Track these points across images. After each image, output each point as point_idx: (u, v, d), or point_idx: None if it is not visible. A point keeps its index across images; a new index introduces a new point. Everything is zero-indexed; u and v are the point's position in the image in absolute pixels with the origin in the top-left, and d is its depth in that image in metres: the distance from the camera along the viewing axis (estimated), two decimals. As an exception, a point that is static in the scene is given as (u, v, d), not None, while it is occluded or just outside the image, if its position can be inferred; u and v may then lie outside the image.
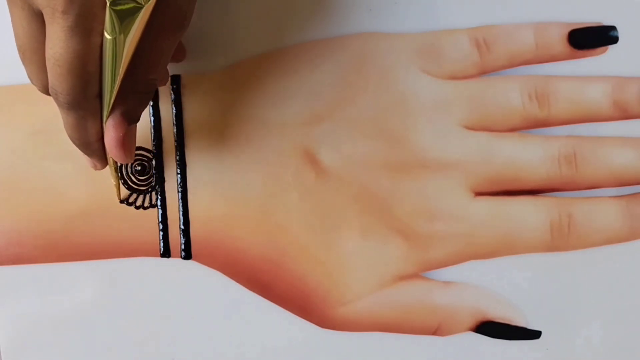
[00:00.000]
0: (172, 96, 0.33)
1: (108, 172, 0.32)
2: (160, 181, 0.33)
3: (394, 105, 0.32)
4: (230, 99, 0.33)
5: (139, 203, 0.33)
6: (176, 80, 0.33)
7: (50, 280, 0.33)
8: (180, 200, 0.33)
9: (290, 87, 0.32)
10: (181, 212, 0.33)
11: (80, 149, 0.28)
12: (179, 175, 0.33)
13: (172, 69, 0.32)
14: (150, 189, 0.33)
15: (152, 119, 0.33)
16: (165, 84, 0.31)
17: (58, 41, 0.23)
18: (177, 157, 0.33)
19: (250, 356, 0.34)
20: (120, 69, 0.24)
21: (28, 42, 0.25)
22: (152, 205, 0.33)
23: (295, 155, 0.33)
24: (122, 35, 0.23)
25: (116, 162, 0.30)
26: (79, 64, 0.23)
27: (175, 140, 0.33)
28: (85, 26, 0.23)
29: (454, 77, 0.32)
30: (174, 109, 0.33)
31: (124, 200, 0.33)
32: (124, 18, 0.23)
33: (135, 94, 0.26)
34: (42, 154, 0.33)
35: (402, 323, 0.33)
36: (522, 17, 0.32)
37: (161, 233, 0.33)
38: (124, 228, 0.33)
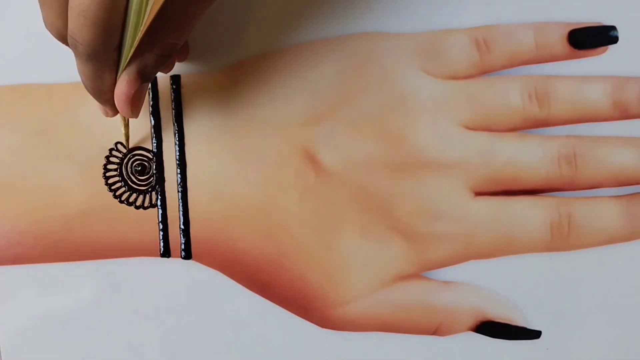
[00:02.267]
0: (172, 96, 0.33)
1: (107, 172, 0.32)
2: (160, 181, 0.33)
3: (394, 105, 0.32)
4: (230, 99, 0.33)
5: (139, 203, 0.33)
6: (176, 80, 0.33)
7: (50, 280, 0.33)
8: (180, 200, 0.33)
9: (290, 87, 0.32)
10: (181, 212, 0.33)
11: (93, 96, 0.27)
12: (179, 175, 0.33)
13: (172, 69, 0.32)
14: (150, 189, 0.33)
15: (152, 119, 0.33)
16: (183, 60, 0.31)
17: None
18: (177, 157, 0.33)
19: (250, 356, 0.34)
20: (142, 26, 0.24)
21: None
22: (152, 205, 0.33)
23: (295, 155, 0.33)
24: None
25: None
26: (105, 16, 0.23)
27: (175, 140, 0.33)
28: None
29: (454, 77, 0.32)
30: (174, 109, 0.33)
31: (131, 151, 0.32)
32: None
33: (154, 54, 0.26)
34: (42, 154, 0.33)
35: (402, 323, 0.33)
36: (522, 17, 0.32)
37: (161, 233, 0.33)
38: (124, 228, 0.33)
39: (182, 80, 0.33)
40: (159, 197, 0.33)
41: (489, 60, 0.32)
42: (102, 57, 0.25)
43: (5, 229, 0.33)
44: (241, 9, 0.32)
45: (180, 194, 0.33)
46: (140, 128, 0.33)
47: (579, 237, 0.33)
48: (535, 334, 0.33)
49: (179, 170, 0.33)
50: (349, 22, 0.32)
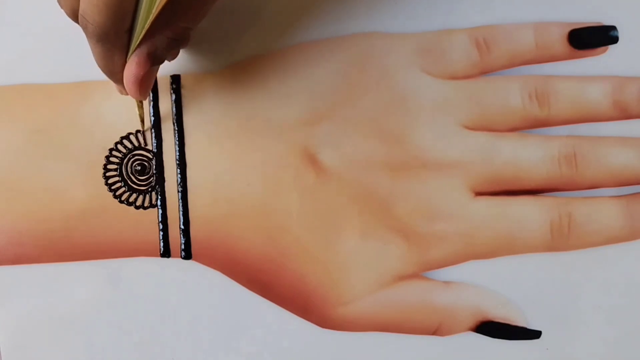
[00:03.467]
0: (172, 96, 0.33)
1: (107, 172, 0.32)
2: (160, 181, 0.33)
3: (394, 105, 0.32)
4: (230, 99, 0.33)
5: (139, 203, 0.33)
6: (176, 80, 0.33)
7: (50, 280, 0.33)
8: (180, 200, 0.33)
9: (290, 87, 0.32)
10: (181, 212, 0.33)
11: (106, 75, 0.27)
12: (179, 175, 0.33)
13: (172, 69, 0.32)
14: (150, 189, 0.33)
15: (152, 119, 0.33)
16: (184, 46, 0.31)
17: None
18: (177, 157, 0.33)
19: (250, 356, 0.34)
20: (155, 9, 0.24)
21: None
22: (152, 205, 0.33)
23: (295, 155, 0.33)
24: None
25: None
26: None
27: (175, 140, 0.33)
28: None
29: (454, 77, 0.32)
30: (174, 109, 0.33)
31: (131, 151, 0.32)
32: None
33: (166, 38, 0.26)
34: (42, 154, 0.33)
35: (402, 323, 0.33)
36: (522, 17, 0.32)
37: (161, 233, 0.33)
38: (124, 228, 0.33)
39: (182, 80, 0.33)
40: (159, 197, 0.33)
41: (489, 60, 0.32)
42: (112, 39, 0.25)
43: (6, 228, 0.33)
44: (241, 9, 0.32)
45: (180, 194, 0.33)
46: (140, 128, 0.33)
47: (579, 237, 0.33)
48: (535, 334, 0.33)
49: (179, 170, 0.33)
50: (349, 22, 0.32)
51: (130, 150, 0.33)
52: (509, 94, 0.32)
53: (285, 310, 0.33)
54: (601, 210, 0.32)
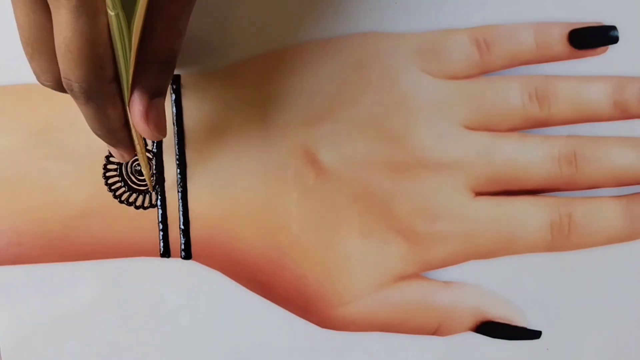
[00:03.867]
0: (172, 96, 0.33)
1: (107, 172, 0.32)
2: (160, 181, 0.33)
3: (394, 105, 0.32)
4: (230, 99, 0.33)
5: (139, 203, 0.33)
6: (176, 80, 0.33)
7: (50, 280, 0.33)
8: (180, 200, 0.33)
9: (290, 87, 0.32)
10: (181, 212, 0.33)
11: (104, 140, 0.27)
12: (179, 175, 0.33)
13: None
14: (150, 189, 0.33)
15: (152, 119, 0.33)
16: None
17: (65, 25, 0.23)
18: (177, 157, 0.33)
19: (250, 356, 0.34)
20: (133, 45, 0.24)
21: (35, 32, 0.24)
22: (152, 205, 0.33)
23: (295, 155, 0.33)
24: (123, 10, 0.23)
25: (144, 151, 0.30)
26: (89, 47, 0.23)
27: (175, 140, 0.33)
28: (90, 5, 0.22)
29: (454, 77, 0.32)
30: (174, 109, 0.33)
31: (155, 187, 0.32)
32: None
33: (153, 65, 0.26)
34: (42, 154, 0.33)
35: (402, 323, 0.33)
36: (522, 17, 0.32)
37: (161, 233, 0.33)
38: (124, 228, 0.33)
39: (182, 80, 0.33)
40: (159, 197, 0.33)
41: (489, 60, 0.32)
42: (99, 93, 0.25)
43: (5, 228, 0.33)
44: (241, 9, 0.32)
45: (180, 194, 0.33)
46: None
47: (579, 237, 0.33)
48: (535, 334, 0.33)
49: (179, 170, 0.33)
50: (349, 22, 0.32)
51: (130, 150, 0.33)
52: (509, 94, 0.32)
53: (285, 310, 0.33)
54: (601, 210, 0.32)
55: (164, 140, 0.33)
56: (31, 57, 0.25)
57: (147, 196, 0.33)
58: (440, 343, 0.33)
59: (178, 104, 0.33)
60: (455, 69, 0.32)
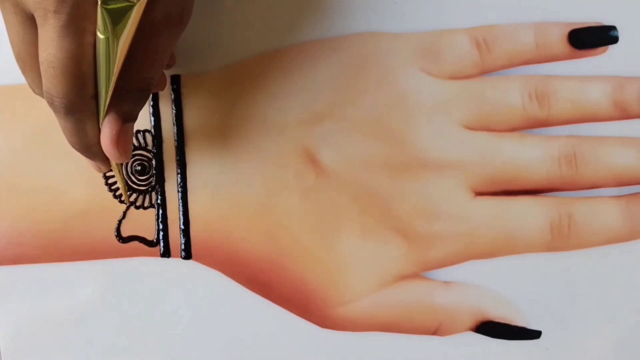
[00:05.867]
0: (172, 96, 0.33)
1: (107, 172, 0.32)
2: (160, 181, 0.33)
3: (394, 105, 0.32)
4: (230, 99, 0.33)
5: (139, 203, 0.33)
6: (176, 80, 0.33)
7: (50, 280, 0.33)
8: (181, 200, 0.33)
9: (290, 87, 0.32)
10: (181, 212, 0.33)
11: (81, 153, 0.27)
12: (179, 175, 0.33)
13: (172, 69, 0.32)
14: (150, 189, 0.33)
15: (152, 119, 0.33)
16: (163, 89, 0.31)
17: (51, 42, 0.23)
18: (177, 157, 0.33)
19: (250, 356, 0.34)
20: (115, 69, 0.24)
21: (25, 48, 0.25)
22: (152, 205, 0.33)
23: (295, 155, 0.33)
24: (114, 35, 0.23)
25: (120, 165, 0.30)
26: (72, 64, 0.23)
27: (175, 140, 0.33)
28: (77, 25, 0.23)
29: (454, 77, 0.32)
30: (174, 109, 0.33)
31: (132, 203, 0.32)
32: (116, 17, 0.23)
33: (131, 92, 0.26)
34: (42, 154, 0.33)
35: (402, 323, 0.33)
36: (522, 17, 0.32)
37: (161, 233, 0.33)
38: (124, 228, 0.33)
39: (182, 80, 0.33)
40: (159, 197, 0.33)
41: (489, 60, 0.32)
42: (79, 108, 0.25)
43: (6, 228, 0.33)
44: (241, 9, 0.32)
45: (180, 194, 0.33)
46: (141, 128, 0.33)
47: (579, 237, 0.33)
48: (535, 334, 0.33)
49: (179, 170, 0.33)
50: (349, 22, 0.32)
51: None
52: (509, 94, 0.32)
53: (285, 310, 0.33)
54: (601, 210, 0.32)
55: (164, 140, 0.33)
56: (22, 71, 0.26)
57: (147, 196, 0.33)
58: (440, 343, 0.33)
59: (178, 104, 0.33)
60: (455, 69, 0.32)
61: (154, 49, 0.25)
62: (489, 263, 0.33)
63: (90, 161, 0.28)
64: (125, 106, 0.26)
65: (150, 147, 0.33)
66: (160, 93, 0.33)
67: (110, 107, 0.25)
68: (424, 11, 0.32)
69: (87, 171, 0.32)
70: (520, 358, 0.33)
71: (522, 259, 0.33)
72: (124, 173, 0.33)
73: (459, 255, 0.33)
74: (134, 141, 0.33)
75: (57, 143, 0.33)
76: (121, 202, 0.33)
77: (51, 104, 0.25)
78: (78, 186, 0.33)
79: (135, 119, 0.27)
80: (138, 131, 0.33)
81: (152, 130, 0.33)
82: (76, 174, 0.33)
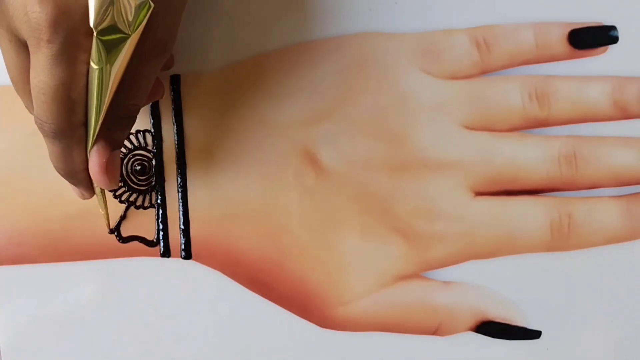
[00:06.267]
0: (172, 96, 0.33)
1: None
2: (160, 181, 0.33)
3: (394, 105, 0.32)
4: (230, 99, 0.33)
5: (139, 203, 0.33)
6: (176, 80, 0.33)
7: (50, 280, 0.33)
8: (181, 200, 0.33)
9: (290, 87, 0.32)
10: (181, 212, 0.33)
11: (66, 179, 0.28)
12: (179, 175, 0.33)
13: (172, 69, 0.32)
14: (150, 189, 0.33)
15: (152, 119, 0.33)
16: (161, 97, 0.31)
17: (42, 69, 0.23)
18: (177, 157, 0.33)
19: (250, 356, 0.34)
20: (107, 98, 0.24)
21: (18, 74, 0.25)
22: (152, 205, 0.33)
23: (295, 155, 0.33)
24: (108, 65, 0.23)
25: (103, 192, 0.31)
26: (63, 92, 0.24)
27: (175, 140, 0.33)
28: (70, 54, 0.23)
29: (454, 77, 0.32)
30: (174, 109, 0.33)
31: (114, 231, 0.33)
32: (111, 48, 0.23)
33: (118, 119, 0.26)
34: (42, 154, 0.32)
35: (402, 323, 0.33)
36: (522, 17, 0.32)
37: (161, 233, 0.33)
38: (124, 228, 0.33)
39: (182, 80, 0.33)
40: (159, 197, 0.33)
41: (489, 60, 0.32)
42: (68, 134, 0.25)
43: (5, 228, 0.33)
44: (241, 9, 0.32)
45: (180, 194, 0.33)
46: (141, 128, 0.33)
47: (579, 237, 0.33)
48: (535, 334, 0.33)
49: (179, 170, 0.33)
50: (349, 22, 0.32)
51: (130, 150, 0.33)
52: (509, 94, 0.32)
53: (285, 310, 0.33)
54: (601, 210, 0.32)
55: (164, 140, 0.33)
56: (17, 93, 0.26)
57: (147, 196, 0.33)
58: (440, 343, 0.33)
59: (178, 104, 0.33)
60: (455, 69, 0.32)
61: (141, 77, 0.26)
62: (489, 263, 0.33)
63: (75, 188, 0.29)
64: (111, 134, 0.26)
65: (150, 147, 0.33)
66: (160, 93, 0.33)
67: (99, 135, 0.26)
68: (423, 11, 0.32)
69: (87, 171, 0.32)
70: (520, 358, 0.33)
71: (522, 259, 0.33)
72: (124, 173, 0.33)
73: (459, 255, 0.33)
74: (134, 141, 0.33)
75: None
76: (121, 202, 0.33)
77: (41, 128, 0.25)
78: (78, 186, 0.33)
79: (122, 145, 0.28)
80: (138, 131, 0.33)
81: (152, 130, 0.33)
82: (76, 174, 0.33)
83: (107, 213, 0.32)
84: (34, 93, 0.24)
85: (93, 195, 0.29)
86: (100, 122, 0.25)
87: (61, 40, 0.23)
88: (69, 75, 0.23)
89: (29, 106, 0.26)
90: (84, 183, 0.28)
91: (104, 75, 0.24)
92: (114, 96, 0.25)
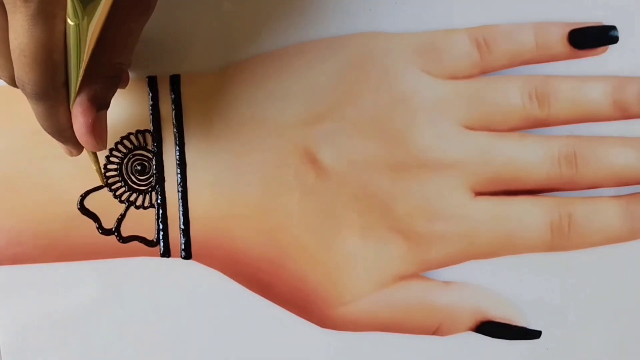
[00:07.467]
0: (172, 96, 0.33)
1: (107, 172, 0.32)
2: (160, 181, 0.33)
3: (394, 105, 0.32)
4: (230, 99, 0.33)
5: (139, 203, 0.33)
6: (176, 80, 0.33)
7: (50, 280, 0.33)
8: (180, 200, 0.33)
9: (290, 87, 0.32)
10: (181, 212, 0.33)
11: (53, 137, 0.28)
12: (179, 175, 0.33)
13: (172, 69, 0.32)
14: (150, 189, 0.33)
15: (152, 118, 0.33)
16: (125, 87, 0.31)
17: (22, 30, 0.23)
18: (177, 157, 0.33)
19: (250, 356, 0.34)
20: (85, 55, 0.24)
21: None
22: (152, 205, 0.33)
23: (295, 155, 0.33)
24: (85, 21, 0.23)
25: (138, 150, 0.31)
26: (44, 52, 0.23)
27: (175, 140, 0.33)
28: (47, 13, 0.23)
29: (454, 77, 0.32)
30: (174, 109, 0.33)
31: (131, 151, 0.32)
32: (86, 3, 0.23)
33: (102, 78, 0.26)
34: (42, 154, 0.33)
35: (402, 323, 0.33)
36: (522, 17, 0.32)
37: (161, 233, 0.33)
38: (124, 228, 0.33)
39: (182, 80, 0.33)
40: (159, 196, 0.33)
41: (489, 60, 0.32)
42: (51, 95, 0.25)
43: (5, 228, 0.33)
44: (241, 9, 0.32)
45: (180, 194, 0.33)
46: (141, 127, 0.33)
47: (579, 237, 0.33)
48: (535, 334, 0.33)
49: (179, 170, 0.33)
50: (349, 22, 0.32)
51: (130, 150, 0.33)
52: (509, 94, 0.32)
53: (285, 310, 0.33)
54: (601, 210, 0.32)
55: (164, 140, 0.33)
56: None
57: (147, 196, 0.33)
58: (440, 343, 0.33)
59: (178, 104, 0.33)
60: (455, 69, 0.32)
61: (124, 34, 0.26)
62: (489, 263, 0.33)
63: (63, 145, 0.29)
64: (97, 92, 0.26)
65: (150, 147, 0.33)
66: (160, 93, 0.33)
67: (82, 94, 0.26)
68: (423, 11, 0.32)
69: (87, 171, 0.32)
70: (520, 358, 0.33)
71: (522, 259, 0.33)
72: (124, 173, 0.33)
73: (459, 255, 0.33)
74: (134, 141, 0.33)
75: (57, 143, 0.32)
76: (121, 202, 0.33)
77: (23, 89, 0.25)
78: (78, 186, 0.33)
79: (108, 106, 0.27)
80: (138, 131, 0.33)
81: (152, 130, 0.33)
82: (76, 174, 0.33)
83: (99, 167, 0.32)
84: (14, 55, 0.24)
85: (81, 152, 0.29)
86: (79, 79, 0.25)
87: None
88: (49, 34, 0.23)
89: (2, 66, 0.26)
90: (72, 140, 0.28)
91: (80, 31, 0.23)
92: (98, 55, 0.24)
